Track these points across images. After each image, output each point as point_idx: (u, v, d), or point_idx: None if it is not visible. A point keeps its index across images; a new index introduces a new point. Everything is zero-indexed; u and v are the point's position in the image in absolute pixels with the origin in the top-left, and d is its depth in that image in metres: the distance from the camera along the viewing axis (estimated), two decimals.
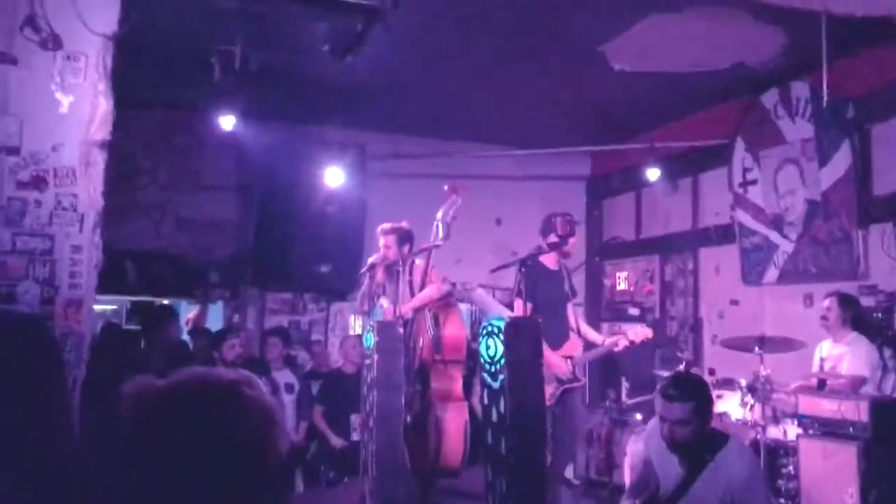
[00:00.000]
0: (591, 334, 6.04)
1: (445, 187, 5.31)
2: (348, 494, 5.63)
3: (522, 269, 3.85)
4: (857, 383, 5.38)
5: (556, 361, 5.51)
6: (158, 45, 6.02)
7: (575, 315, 5.98)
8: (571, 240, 5.74)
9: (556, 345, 5.58)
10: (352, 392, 6.54)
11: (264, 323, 8.70)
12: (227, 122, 6.60)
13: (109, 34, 3.98)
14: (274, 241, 8.29)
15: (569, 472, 6.82)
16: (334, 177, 7.66)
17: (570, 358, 5.66)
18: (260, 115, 7.09)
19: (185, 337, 7.91)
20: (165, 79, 6.80)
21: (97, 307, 9.77)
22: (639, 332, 5.85)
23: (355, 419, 6.72)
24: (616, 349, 5.78)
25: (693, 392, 3.26)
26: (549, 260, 5.76)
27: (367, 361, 5.08)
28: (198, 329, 8.22)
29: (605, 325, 9.38)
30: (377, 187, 8.46)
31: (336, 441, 7.02)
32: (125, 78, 4.18)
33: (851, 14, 5.04)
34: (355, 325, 8.85)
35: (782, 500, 5.22)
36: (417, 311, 5.38)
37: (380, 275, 5.75)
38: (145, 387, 1.21)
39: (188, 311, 8.82)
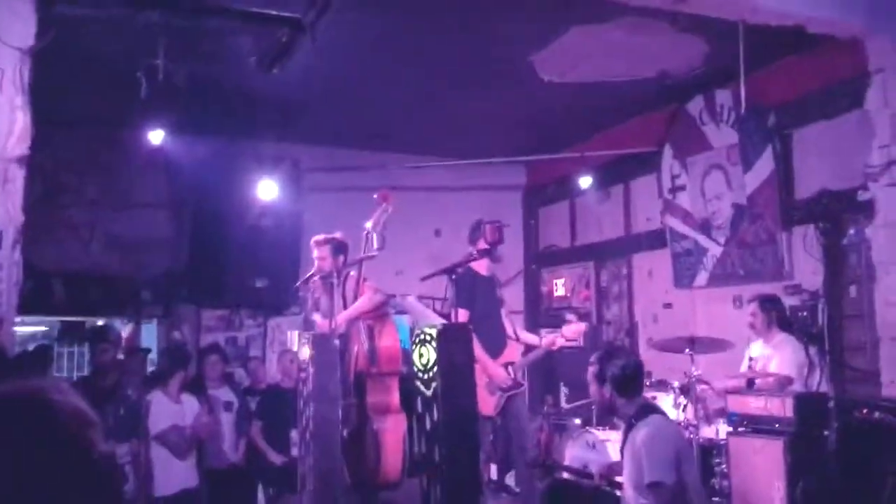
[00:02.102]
0: (529, 337, 6.10)
1: (375, 196, 5.30)
2: None
3: (453, 277, 3.86)
4: (783, 383, 5.53)
5: (496, 371, 5.55)
6: (81, 60, 5.91)
7: (510, 321, 6.01)
8: (484, 237, 5.75)
9: (496, 353, 5.63)
10: (290, 407, 6.47)
11: (200, 340, 8.55)
12: (155, 137, 6.50)
13: (25, 48, 3.89)
14: (208, 257, 8.18)
15: (510, 479, 6.86)
16: (268, 190, 7.60)
17: (511, 364, 5.70)
18: (190, 130, 7.01)
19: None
20: (90, 95, 6.68)
21: (27, 329, 9.53)
22: (572, 329, 5.94)
23: (295, 434, 6.64)
24: (553, 348, 5.85)
25: (596, 358, 3.75)
26: (482, 267, 5.80)
27: (303, 375, 5.03)
28: (131, 348, 8.05)
29: (543, 332, 9.45)
30: (313, 200, 8.42)
31: (275, 457, 6.92)
32: (48, 95, 4.09)
33: (766, 23, 5.25)
34: (294, 339, 8.76)
35: (716, 499, 5.33)
36: (351, 323, 5.35)
37: (316, 287, 5.71)
38: None
39: (123, 331, 8.63)
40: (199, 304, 8.66)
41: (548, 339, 5.88)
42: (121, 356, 7.48)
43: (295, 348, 8.20)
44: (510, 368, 5.68)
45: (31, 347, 7.66)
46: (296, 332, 8.55)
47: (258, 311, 8.89)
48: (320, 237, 5.60)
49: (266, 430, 7.05)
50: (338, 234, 5.62)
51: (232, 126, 7.90)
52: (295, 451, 6.65)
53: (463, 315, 5.53)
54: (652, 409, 3.68)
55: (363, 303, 5.31)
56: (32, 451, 1.20)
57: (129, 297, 8.34)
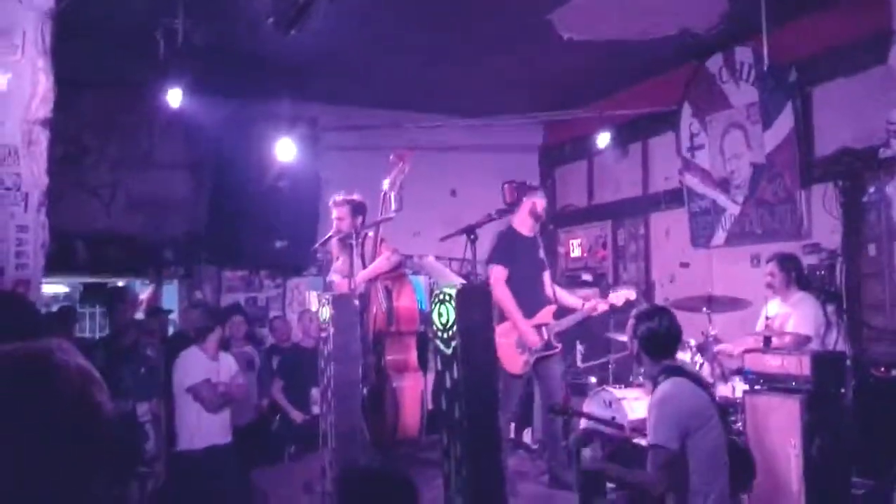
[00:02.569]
0: (570, 300, 5.95)
1: (392, 156, 5.29)
2: (310, 467, 5.67)
3: (472, 237, 3.88)
4: (801, 342, 5.53)
5: (526, 330, 5.53)
6: (100, 22, 5.92)
7: (550, 283, 5.94)
8: (533, 204, 5.71)
9: (531, 313, 5.60)
10: (310, 366, 6.56)
11: (221, 300, 8.65)
12: (174, 98, 6.51)
13: (46, 10, 3.90)
14: (227, 218, 8.23)
15: (527, 437, 6.93)
16: (286, 151, 7.61)
17: (545, 325, 5.64)
18: (208, 91, 6.99)
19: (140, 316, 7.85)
20: (109, 56, 6.69)
21: (49, 289, 9.66)
22: (621, 295, 5.76)
23: (315, 393, 6.74)
24: (594, 314, 5.76)
25: (634, 315, 3.78)
26: (525, 227, 5.76)
27: (324, 335, 5.10)
28: (152, 308, 8.15)
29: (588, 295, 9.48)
30: (330, 160, 8.43)
31: (296, 415, 7.05)
32: (67, 56, 4.11)
33: None
34: (312, 299, 8.85)
35: None
36: (370, 283, 5.40)
37: (335, 248, 5.75)
38: None
39: (143, 291, 8.74)
40: (219, 265, 8.74)
41: (590, 304, 5.75)
42: (140, 316, 7.61)
43: (314, 308, 8.30)
44: (544, 330, 5.62)
45: (54, 309, 7.78)
46: (314, 293, 8.64)
47: (277, 272, 8.97)
48: (339, 197, 5.63)
49: (287, 389, 7.18)
50: (356, 195, 5.65)
51: (249, 87, 7.89)
52: (316, 410, 6.78)
53: (498, 271, 5.56)
54: (675, 370, 3.65)
55: (381, 263, 5.35)
56: (38, 408, 1.23)
57: (150, 258, 8.42)
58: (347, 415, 4.93)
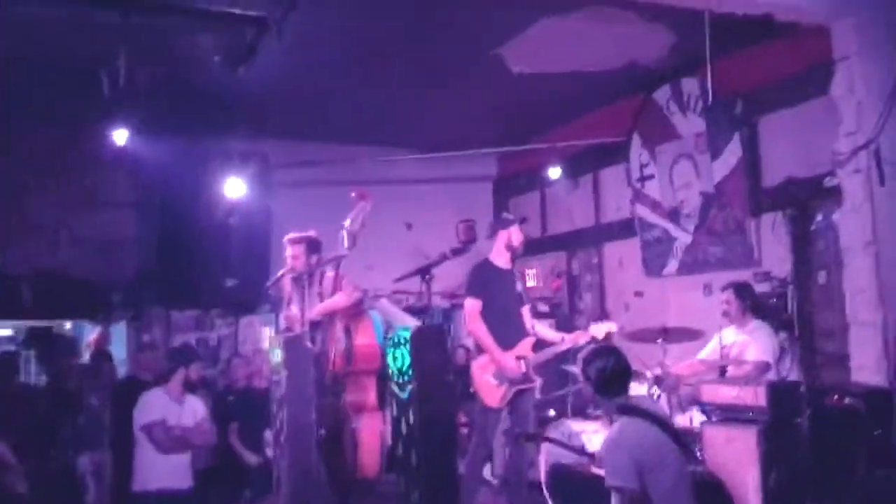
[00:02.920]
0: (550, 333, 5.92)
1: (353, 194, 5.22)
2: None
3: (426, 277, 3.84)
4: (762, 369, 5.57)
5: (504, 361, 5.46)
6: (43, 60, 5.78)
7: (530, 317, 5.88)
8: (509, 236, 5.71)
9: (509, 345, 5.53)
10: (263, 408, 6.42)
11: (170, 341, 8.45)
12: (120, 136, 6.39)
13: None
14: (177, 257, 8.08)
15: (486, 472, 6.85)
16: (235, 188, 7.51)
17: (523, 358, 5.57)
18: (155, 129, 6.88)
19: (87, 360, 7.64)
20: (53, 96, 6.53)
21: None
22: (602, 328, 5.66)
23: (269, 435, 6.59)
24: (576, 346, 5.58)
25: (581, 359, 3.79)
26: (501, 259, 5.75)
27: (276, 378, 4.99)
28: (101, 352, 7.94)
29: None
30: (282, 196, 8.33)
31: (251, 459, 6.88)
32: (10, 96, 3.99)
33: (732, 12, 5.26)
34: (267, 336, 8.69)
35: None
36: (328, 321, 5.30)
37: (287, 286, 5.64)
38: None
39: (91, 333, 8.51)
40: (169, 305, 8.56)
41: (571, 336, 5.67)
42: (86, 360, 7.41)
43: (268, 347, 8.15)
44: (522, 362, 5.55)
45: None
46: (268, 329, 8.49)
47: (229, 311, 8.81)
48: (294, 235, 5.53)
49: (240, 431, 7.01)
50: (311, 232, 5.56)
51: (198, 123, 7.78)
52: (269, 451, 6.62)
53: (472, 304, 5.53)
54: (628, 409, 3.65)
55: (340, 299, 5.24)
56: None
57: (97, 299, 8.22)
58: (301, 458, 4.81)
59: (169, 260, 8.11)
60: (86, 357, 7.68)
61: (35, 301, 7.99)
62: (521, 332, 5.69)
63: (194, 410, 6.02)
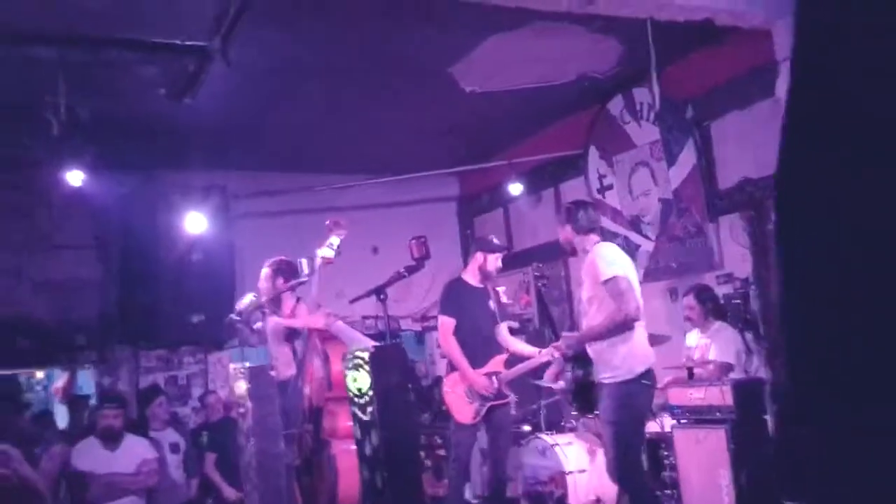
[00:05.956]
0: (526, 349, 5.91)
1: (327, 223, 5.18)
2: None
3: (381, 297, 3.82)
4: (725, 368, 5.62)
5: (475, 378, 5.50)
6: None
7: (506, 333, 5.92)
8: (484, 259, 5.75)
9: (481, 362, 5.58)
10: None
11: (139, 382, 8.32)
12: (74, 177, 6.31)
13: None
14: (141, 297, 7.96)
15: (467, 493, 6.80)
16: (196, 222, 7.44)
17: (496, 374, 5.60)
18: (109, 166, 6.80)
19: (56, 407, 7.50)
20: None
21: None
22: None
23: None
24: (550, 360, 5.65)
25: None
26: (473, 278, 5.80)
27: (241, 410, 4.93)
28: (68, 397, 7.80)
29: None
30: (244, 228, 8.28)
31: (229, 492, 6.81)
32: None
33: (673, 19, 5.33)
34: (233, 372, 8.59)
35: (667, 491, 5.37)
36: (306, 348, 5.25)
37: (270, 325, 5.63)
38: None
39: (56, 380, 8.36)
40: (135, 346, 8.42)
41: (546, 350, 5.63)
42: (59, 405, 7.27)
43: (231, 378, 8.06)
44: (494, 378, 5.58)
45: None
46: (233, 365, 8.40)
47: (197, 348, 8.70)
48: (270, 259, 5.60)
49: (218, 463, 6.95)
50: (282, 257, 5.61)
51: (154, 159, 7.74)
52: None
53: (445, 322, 5.63)
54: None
55: (317, 318, 5.18)
56: None
57: (60, 344, 8.06)
58: (272, 490, 4.75)
59: (133, 299, 7.98)
60: (52, 405, 7.54)
61: None
62: (495, 349, 5.73)
63: (132, 454, 5.88)
